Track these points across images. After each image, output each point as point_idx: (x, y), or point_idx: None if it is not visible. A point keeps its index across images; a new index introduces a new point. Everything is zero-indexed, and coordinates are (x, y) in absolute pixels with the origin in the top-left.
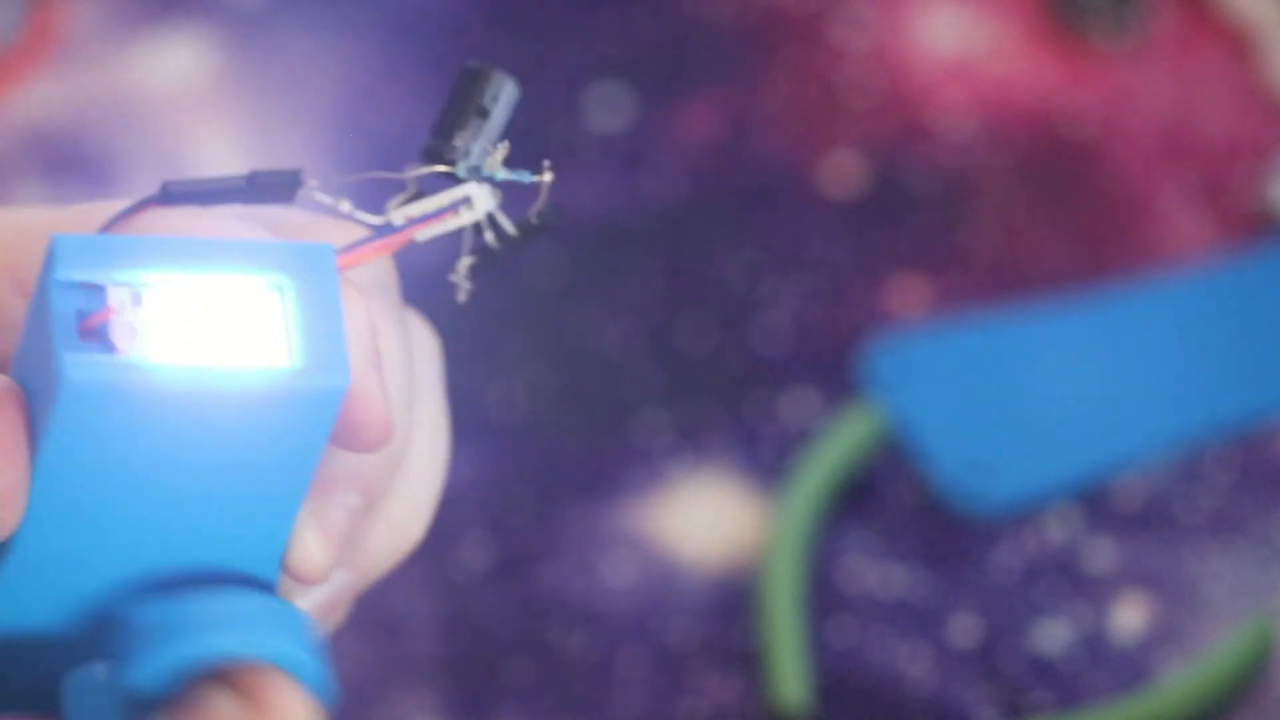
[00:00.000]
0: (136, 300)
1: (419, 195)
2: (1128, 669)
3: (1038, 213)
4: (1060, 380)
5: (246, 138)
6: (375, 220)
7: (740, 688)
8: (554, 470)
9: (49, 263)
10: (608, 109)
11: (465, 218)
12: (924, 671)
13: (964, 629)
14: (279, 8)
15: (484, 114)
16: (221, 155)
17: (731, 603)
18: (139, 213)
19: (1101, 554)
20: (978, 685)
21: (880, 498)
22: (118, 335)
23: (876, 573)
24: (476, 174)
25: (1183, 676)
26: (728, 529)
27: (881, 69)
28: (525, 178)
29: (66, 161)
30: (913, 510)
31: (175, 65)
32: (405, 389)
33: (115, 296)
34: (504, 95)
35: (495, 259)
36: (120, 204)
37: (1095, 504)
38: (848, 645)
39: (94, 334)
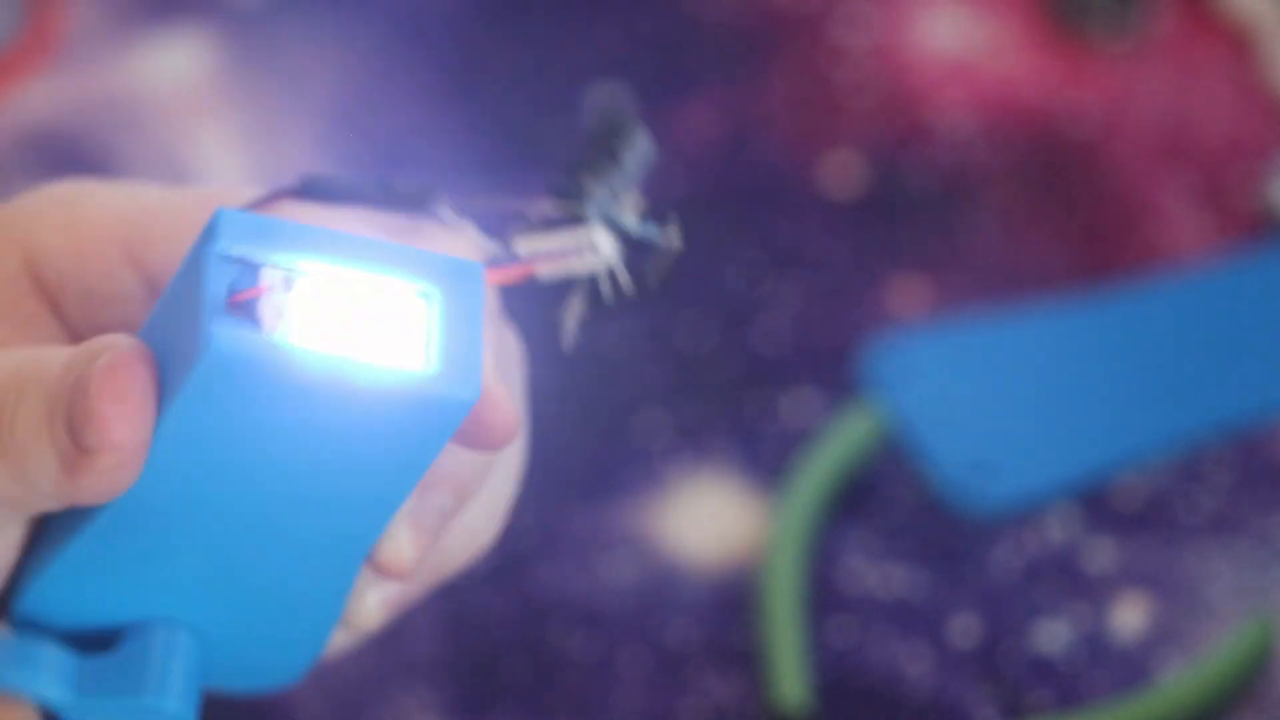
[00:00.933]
0: (288, 284)
1: (540, 228)
2: (1127, 669)
3: (1038, 213)
4: (1060, 380)
5: (246, 138)
6: (495, 246)
7: (740, 688)
8: (554, 470)
9: (209, 234)
10: (607, 106)
11: (589, 261)
12: (924, 671)
13: (964, 629)
14: (279, 8)
15: (617, 160)
16: (221, 155)
17: (731, 603)
18: (272, 203)
19: (1101, 554)
20: (978, 685)
21: (880, 498)
22: (266, 314)
23: (876, 573)
24: (606, 220)
25: (1183, 676)
26: (728, 529)
27: (881, 69)
28: (654, 235)
29: (66, 161)
30: (913, 510)
31: (175, 65)
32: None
33: (268, 276)
34: (639, 146)
35: (604, 310)
36: (241, 191)
37: (1095, 504)
38: (848, 645)
39: (242, 309)
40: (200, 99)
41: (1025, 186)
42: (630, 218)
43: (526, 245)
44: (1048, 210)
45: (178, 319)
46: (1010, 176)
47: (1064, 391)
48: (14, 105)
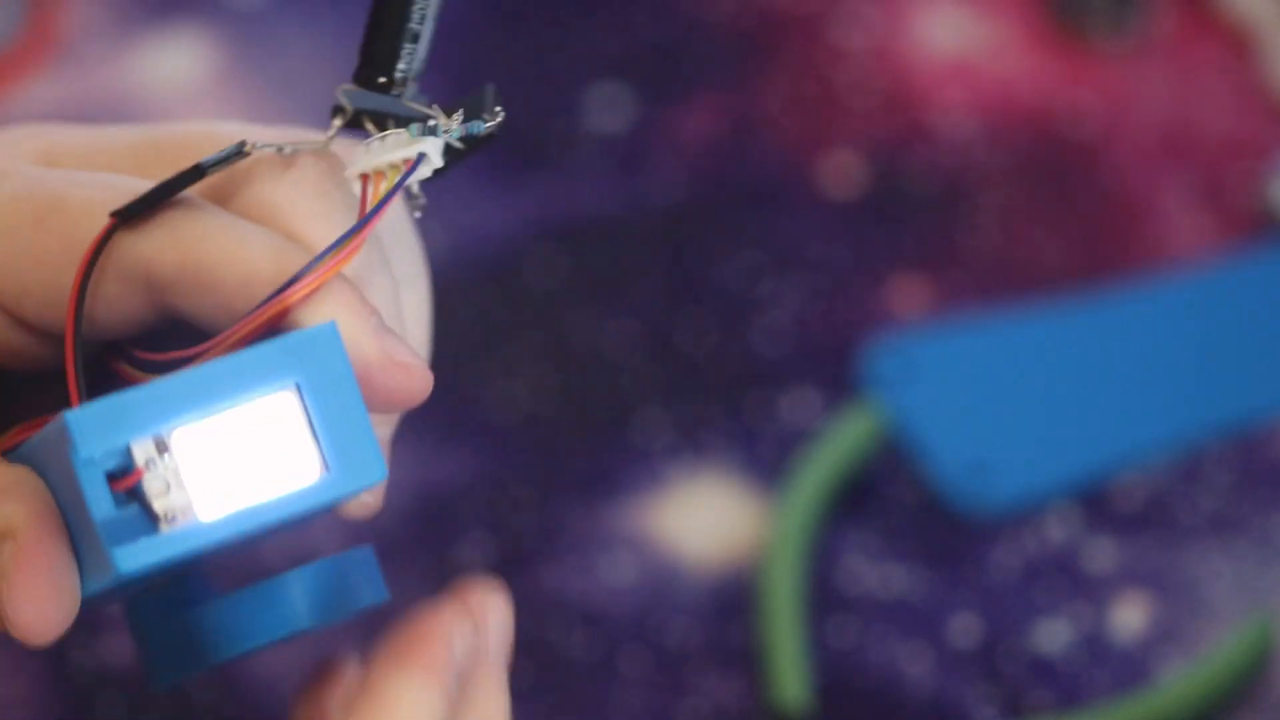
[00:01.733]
0: (163, 447)
1: (362, 123)
2: (1127, 669)
3: (1038, 213)
4: (1060, 380)
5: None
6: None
7: (740, 688)
8: (554, 470)
9: (70, 444)
10: (608, 109)
11: (423, 173)
12: (924, 671)
13: (964, 629)
14: (279, 8)
15: (415, 38)
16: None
17: (731, 603)
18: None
19: (1101, 554)
20: (978, 685)
21: (880, 498)
22: (152, 490)
23: (876, 573)
24: (430, 132)
25: (1183, 676)
26: (728, 529)
27: (881, 69)
28: (478, 128)
29: None
30: (913, 510)
31: (175, 65)
32: (393, 303)
33: (140, 452)
34: (431, 10)
35: (444, 173)
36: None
37: (1095, 504)
38: (848, 645)
39: (130, 493)
40: (200, 98)
41: (1025, 186)
42: (453, 125)
43: (356, 171)
44: (1047, 210)
45: (72, 503)
46: (1010, 176)
47: (1064, 392)
48: (14, 105)
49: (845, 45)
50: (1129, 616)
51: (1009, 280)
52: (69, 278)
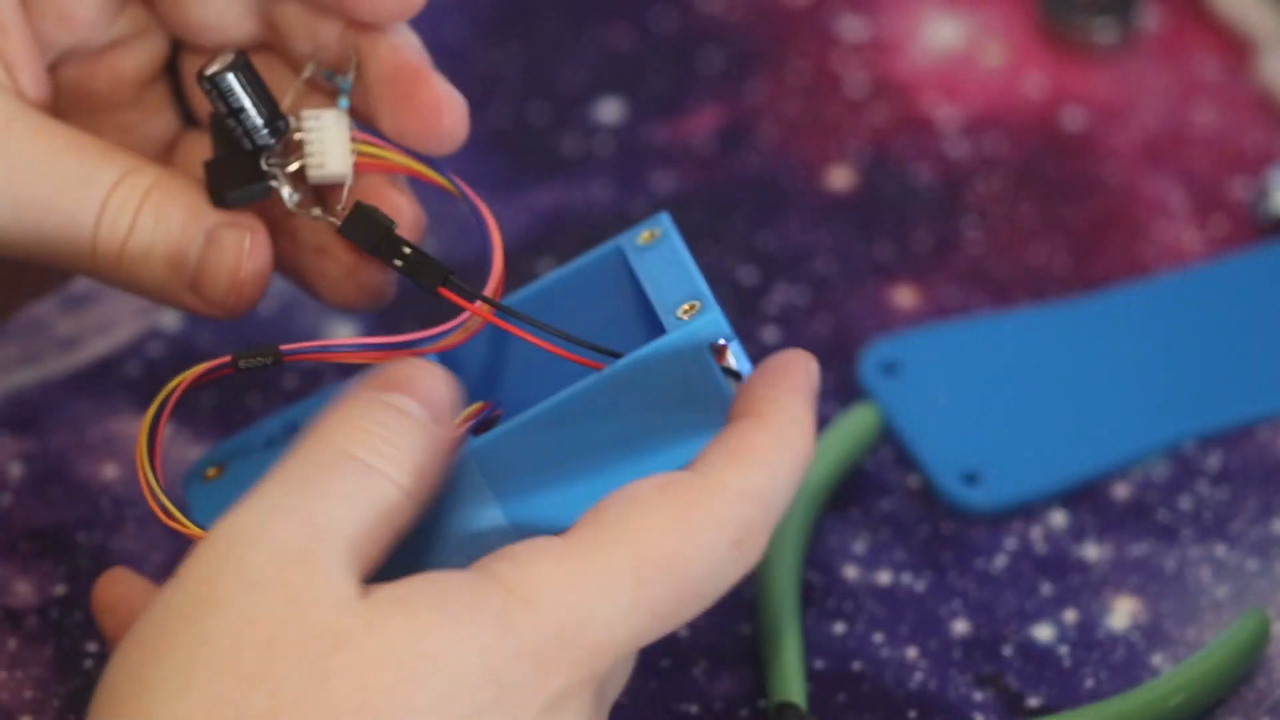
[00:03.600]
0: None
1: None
2: (1124, 667)
3: (1035, 213)
4: (1060, 380)
5: None
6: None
7: (740, 688)
8: None
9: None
10: (607, 109)
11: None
12: (922, 670)
13: (962, 628)
14: None
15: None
16: None
17: (730, 600)
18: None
19: (1098, 553)
20: (976, 684)
21: (879, 497)
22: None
23: (875, 572)
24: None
25: (1178, 670)
26: None
27: (881, 69)
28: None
29: None
30: (911, 510)
31: None
32: None
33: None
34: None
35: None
36: None
37: (1092, 503)
38: (847, 644)
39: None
40: None
41: (1023, 187)
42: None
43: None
44: (1046, 210)
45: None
46: (1008, 176)
47: (1063, 391)
48: None
49: (845, 45)
50: (1125, 615)
51: (1008, 280)
52: None
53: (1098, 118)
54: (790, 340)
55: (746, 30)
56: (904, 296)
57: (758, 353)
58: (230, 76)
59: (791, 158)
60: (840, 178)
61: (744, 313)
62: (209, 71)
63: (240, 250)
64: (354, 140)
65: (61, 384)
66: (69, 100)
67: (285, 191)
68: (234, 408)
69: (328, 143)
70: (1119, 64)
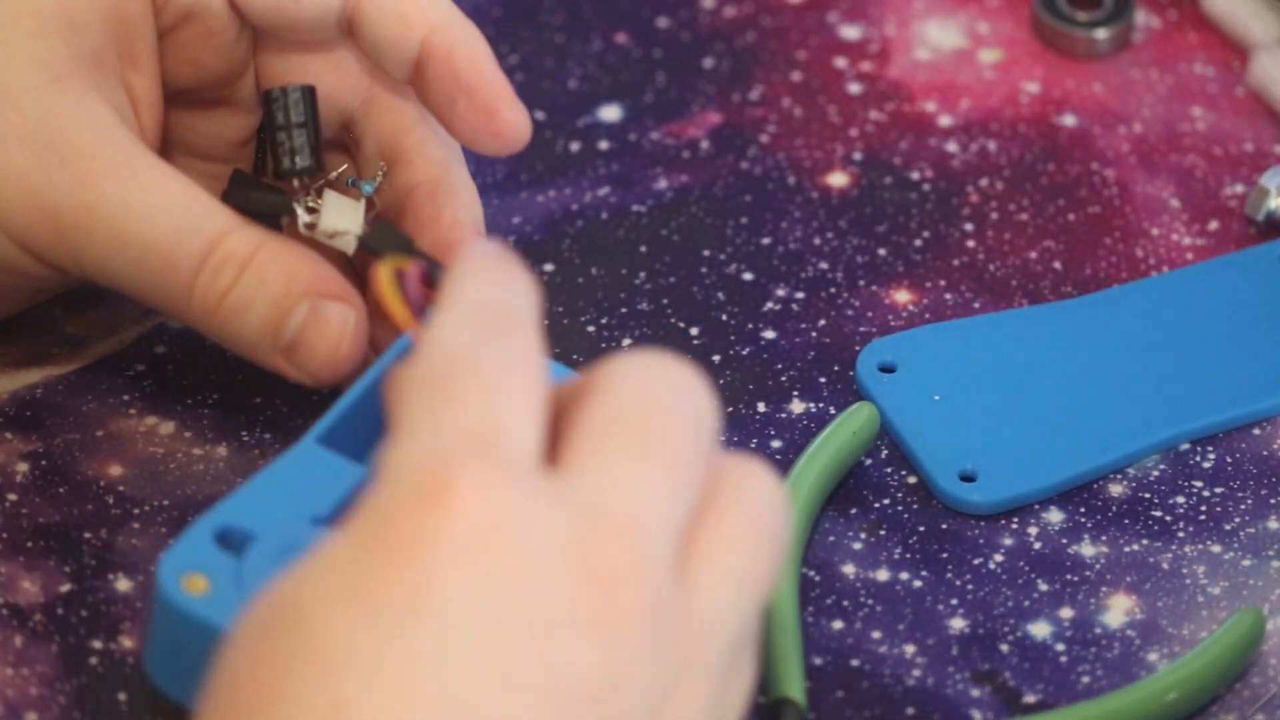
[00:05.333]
0: None
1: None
2: (1120, 664)
3: (1032, 214)
4: (1056, 380)
5: None
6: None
7: None
8: None
9: None
10: (608, 111)
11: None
12: (920, 667)
13: (959, 625)
14: None
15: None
16: None
17: None
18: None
19: (1094, 550)
20: (973, 682)
21: (877, 495)
22: None
23: (873, 569)
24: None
25: (1173, 667)
26: None
27: (879, 71)
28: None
29: None
30: (909, 507)
31: None
32: None
33: None
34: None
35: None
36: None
37: (1088, 501)
38: (845, 641)
39: None
40: None
41: (1020, 188)
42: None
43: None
44: (1042, 211)
45: None
46: (1005, 178)
47: (1063, 392)
48: None
49: (841, 47)
50: (1122, 613)
51: (1001, 282)
52: None
53: (1094, 119)
54: (789, 340)
55: (746, 31)
56: (901, 296)
57: (757, 352)
58: (301, 90)
59: (791, 158)
60: (838, 178)
61: (744, 313)
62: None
63: (344, 328)
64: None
65: (67, 383)
66: (164, 142)
67: (301, 211)
68: (235, 407)
69: (344, 210)
70: (1115, 66)
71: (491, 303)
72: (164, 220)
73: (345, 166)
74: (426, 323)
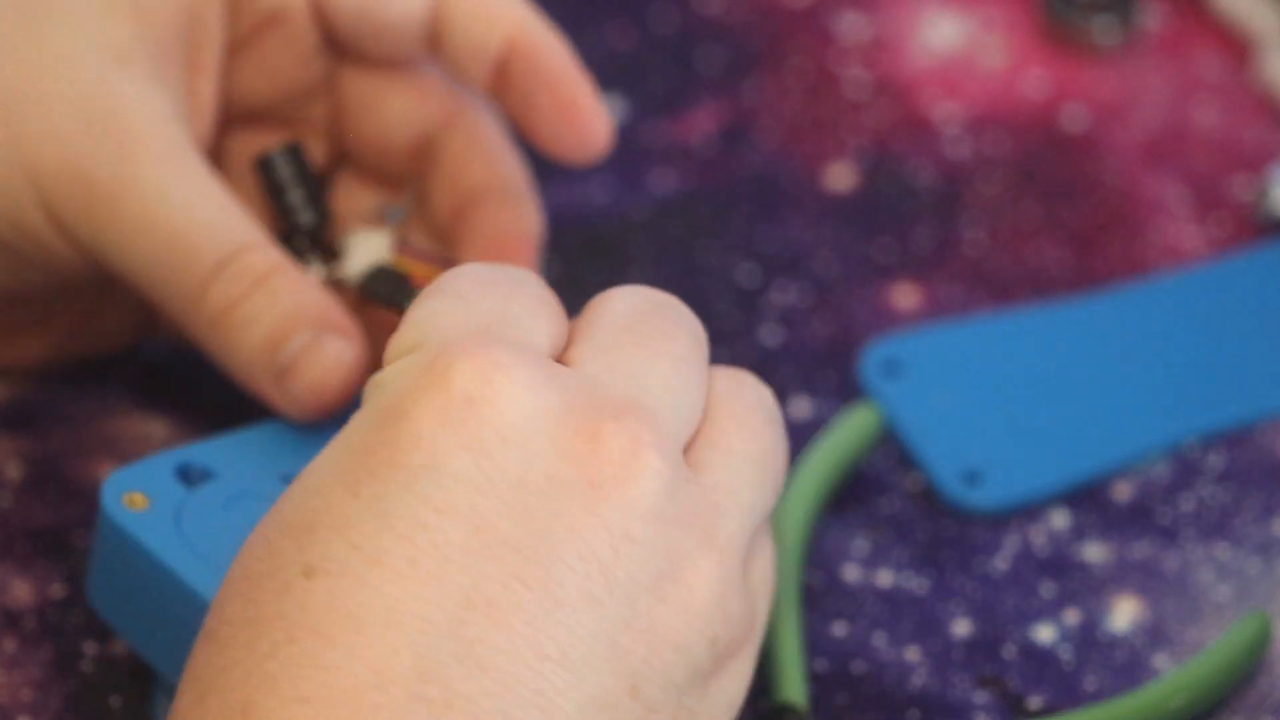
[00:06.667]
0: None
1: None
2: (1126, 667)
3: (1036, 213)
4: (1061, 380)
5: None
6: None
7: None
8: None
9: None
10: (608, 110)
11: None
12: (923, 671)
13: (963, 628)
14: None
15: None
16: None
17: None
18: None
19: (1099, 553)
20: (977, 684)
21: (879, 497)
22: None
23: (876, 572)
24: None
25: (1179, 672)
26: None
27: (881, 69)
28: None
29: None
30: (912, 509)
31: None
32: None
33: None
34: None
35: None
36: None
37: (1093, 503)
38: (847, 645)
39: None
40: None
41: (1023, 187)
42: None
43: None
44: (1046, 210)
45: None
46: (1008, 177)
47: (1064, 392)
48: None
49: (845, 45)
50: (1126, 616)
51: (1008, 280)
52: None
53: (1098, 117)
54: (791, 340)
55: (746, 30)
56: (904, 296)
57: (758, 352)
58: (288, 147)
59: (791, 157)
60: (840, 177)
61: (744, 313)
62: (261, 155)
63: (340, 364)
64: (396, 255)
65: (60, 384)
66: (215, 155)
67: (315, 266)
68: (228, 410)
69: (370, 247)
70: (1120, 63)
71: (502, 272)
72: (198, 213)
73: (372, 199)
74: None
